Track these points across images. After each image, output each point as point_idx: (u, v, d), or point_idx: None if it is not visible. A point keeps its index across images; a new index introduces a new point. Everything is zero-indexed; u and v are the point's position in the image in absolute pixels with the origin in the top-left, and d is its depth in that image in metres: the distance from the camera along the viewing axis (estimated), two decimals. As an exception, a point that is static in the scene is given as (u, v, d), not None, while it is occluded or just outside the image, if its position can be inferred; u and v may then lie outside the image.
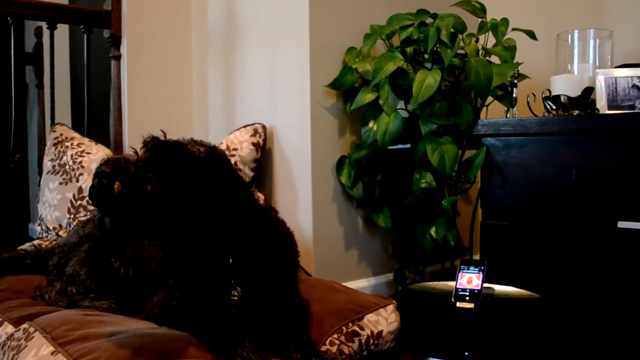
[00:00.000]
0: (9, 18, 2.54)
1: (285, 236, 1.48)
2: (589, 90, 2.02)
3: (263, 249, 1.40)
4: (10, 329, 1.48)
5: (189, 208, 1.23)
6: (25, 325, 1.42)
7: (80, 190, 2.19)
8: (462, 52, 2.19)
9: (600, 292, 1.83)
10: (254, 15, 2.52)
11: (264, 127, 2.41)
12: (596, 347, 1.83)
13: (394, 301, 1.80)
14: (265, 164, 2.46)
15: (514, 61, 2.19)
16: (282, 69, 2.38)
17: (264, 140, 2.39)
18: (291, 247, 1.49)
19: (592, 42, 2.16)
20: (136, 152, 1.26)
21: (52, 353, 1.26)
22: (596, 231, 1.84)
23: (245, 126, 2.43)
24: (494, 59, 2.24)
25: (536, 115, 2.07)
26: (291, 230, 1.52)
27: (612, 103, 1.95)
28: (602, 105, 1.95)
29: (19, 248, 2.03)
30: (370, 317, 1.70)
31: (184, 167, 1.24)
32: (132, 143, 2.64)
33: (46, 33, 2.73)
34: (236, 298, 1.35)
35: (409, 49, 2.17)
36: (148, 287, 1.64)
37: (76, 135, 2.37)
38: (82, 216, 2.13)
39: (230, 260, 1.36)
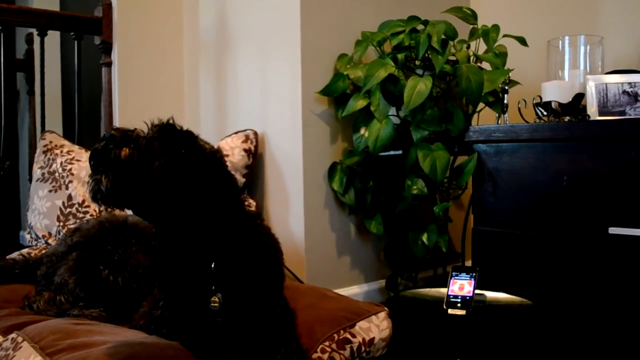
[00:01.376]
0: (-1, 25, 2.53)
1: (270, 244, 1.47)
2: (580, 97, 2.02)
3: (246, 255, 1.39)
4: (-2, 338, 1.47)
5: (182, 198, 1.23)
6: (13, 335, 1.40)
7: (69, 197, 2.18)
8: (453, 58, 2.20)
9: (592, 298, 1.83)
10: (246, 22, 2.52)
11: (255, 133, 2.41)
12: (588, 353, 1.83)
13: (385, 308, 1.80)
14: (257, 170, 2.45)
15: (505, 67, 2.19)
16: (273, 76, 2.38)
17: (256, 147, 2.39)
18: (275, 255, 1.47)
19: (582, 48, 2.16)
20: (147, 130, 1.26)
21: (40, 363, 1.25)
22: (587, 237, 1.84)
23: (236, 132, 2.43)
24: (485, 66, 2.25)
25: (527, 122, 2.08)
26: (276, 237, 1.51)
27: (602, 109, 1.95)
28: (592, 111, 1.96)
29: (7, 257, 2.01)
30: (362, 324, 1.69)
31: (188, 157, 1.24)
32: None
33: (37, 40, 2.72)
34: (217, 305, 1.34)
35: (400, 56, 2.18)
36: (137, 294, 1.62)
37: (66, 142, 2.36)
38: (72, 224, 2.11)
39: (213, 265, 1.35)
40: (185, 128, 1.30)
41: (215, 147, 1.37)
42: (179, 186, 1.22)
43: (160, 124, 1.27)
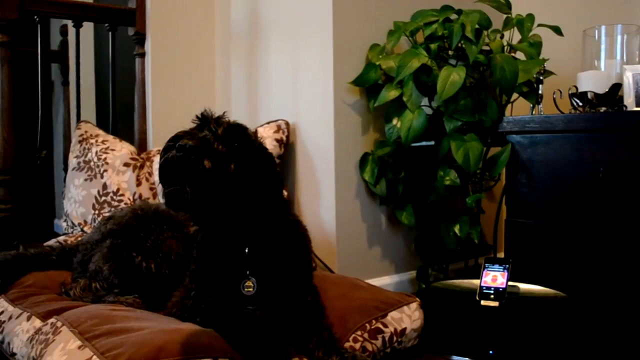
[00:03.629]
0: (35, 16, 2.57)
1: (299, 231, 1.48)
2: (617, 87, 1.99)
3: (279, 241, 1.40)
4: (37, 323, 1.50)
5: (244, 194, 1.25)
6: (52, 320, 1.44)
7: (104, 186, 2.21)
8: (487, 48, 2.18)
9: (627, 291, 1.80)
10: (277, 12, 2.52)
11: (287, 123, 2.41)
12: (622, 346, 1.81)
13: (417, 299, 1.80)
14: (288, 160, 2.46)
15: (540, 57, 2.16)
16: (305, 66, 2.38)
17: (287, 137, 2.40)
18: (304, 242, 1.49)
19: (619, 37, 2.12)
20: (205, 130, 1.26)
21: (79, 347, 1.28)
22: (623, 229, 1.81)
23: (268, 122, 2.44)
24: (520, 55, 2.22)
25: (562, 112, 2.05)
26: (305, 226, 1.52)
27: (640, 100, 1.92)
28: (630, 101, 1.93)
29: (44, 244, 2.05)
30: (393, 315, 1.69)
31: (241, 150, 1.25)
32: (157, 140, 2.66)
33: (72, 31, 2.75)
34: (251, 290, 1.35)
35: (433, 46, 2.16)
36: (170, 281, 1.65)
37: (101, 132, 2.40)
38: (107, 212, 2.15)
39: (246, 250, 1.36)
40: (233, 120, 1.31)
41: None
42: (244, 184, 1.24)
43: (225, 123, 1.27)
